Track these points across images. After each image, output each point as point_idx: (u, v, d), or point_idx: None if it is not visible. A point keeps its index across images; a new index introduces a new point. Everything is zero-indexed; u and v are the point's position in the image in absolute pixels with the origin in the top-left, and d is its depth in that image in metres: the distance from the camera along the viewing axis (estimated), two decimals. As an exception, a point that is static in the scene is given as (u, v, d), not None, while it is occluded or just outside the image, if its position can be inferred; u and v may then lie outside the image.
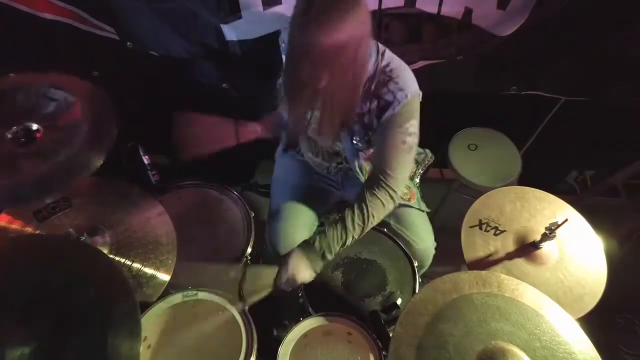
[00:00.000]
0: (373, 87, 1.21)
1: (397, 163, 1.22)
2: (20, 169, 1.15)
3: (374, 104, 1.22)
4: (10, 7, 1.54)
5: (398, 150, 1.21)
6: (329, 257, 1.22)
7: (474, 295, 1.00)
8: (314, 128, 1.33)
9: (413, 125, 1.21)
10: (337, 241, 1.22)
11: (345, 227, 1.22)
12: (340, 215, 1.25)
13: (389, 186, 1.23)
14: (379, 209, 1.23)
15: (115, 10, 1.55)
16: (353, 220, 1.22)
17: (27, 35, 1.65)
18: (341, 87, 1.11)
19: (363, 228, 1.24)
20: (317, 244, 1.22)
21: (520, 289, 1.03)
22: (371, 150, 1.39)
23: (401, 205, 1.52)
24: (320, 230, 1.26)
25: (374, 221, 1.24)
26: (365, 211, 1.22)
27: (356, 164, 1.46)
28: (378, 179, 1.23)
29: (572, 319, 1.00)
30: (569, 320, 0.99)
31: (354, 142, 1.35)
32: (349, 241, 1.23)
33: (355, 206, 1.23)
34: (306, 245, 1.24)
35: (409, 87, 1.19)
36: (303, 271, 1.21)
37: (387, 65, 1.22)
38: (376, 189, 1.23)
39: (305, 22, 0.99)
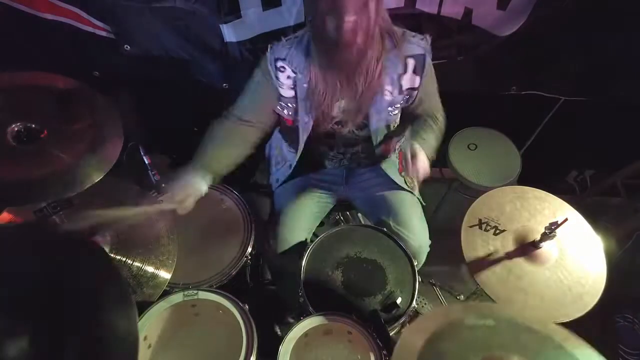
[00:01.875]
0: (397, 43, 1.25)
1: (439, 104, 1.44)
2: (20, 167, 1.15)
3: (411, 63, 1.28)
4: (10, 7, 1.55)
5: (437, 93, 1.41)
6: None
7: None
8: (340, 119, 1.38)
9: None
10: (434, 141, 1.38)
11: (433, 130, 1.39)
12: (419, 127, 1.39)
13: (440, 121, 1.44)
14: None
15: (116, 11, 1.55)
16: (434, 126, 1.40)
17: (28, 35, 1.65)
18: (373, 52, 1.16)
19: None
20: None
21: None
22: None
23: (400, 189, 1.57)
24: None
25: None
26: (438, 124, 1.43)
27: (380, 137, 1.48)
28: (434, 119, 1.41)
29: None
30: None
31: (390, 114, 1.38)
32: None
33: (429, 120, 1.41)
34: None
35: (416, 33, 1.29)
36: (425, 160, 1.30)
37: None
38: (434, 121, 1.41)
39: None
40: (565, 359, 0.91)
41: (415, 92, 1.34)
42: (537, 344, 0.93)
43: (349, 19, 1.04)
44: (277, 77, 1.31)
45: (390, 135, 1.48)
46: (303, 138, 1.43)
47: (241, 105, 1.38)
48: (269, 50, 1.31)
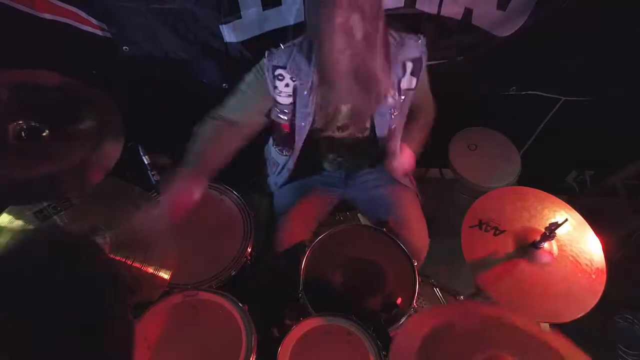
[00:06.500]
0: (392, 50, 1.24)
1: (430, 97, 1.50)
2: (23, 166, 1.15)
3: (409, 67, 1.29)
4: (10, 7, 1.54)
5: (429, 87, 1.46)
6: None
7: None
8: (342, 124, 1.39)
9: None
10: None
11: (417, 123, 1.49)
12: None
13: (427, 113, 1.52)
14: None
15: (115, 11, 1.55)
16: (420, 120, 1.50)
17: (27, 35, 1.65)
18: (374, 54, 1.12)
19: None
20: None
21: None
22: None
23: (398, 184, 1.57)
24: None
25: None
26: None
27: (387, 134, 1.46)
28: (421, 112, 1.50)
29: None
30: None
31: (392, 116, 1.37)
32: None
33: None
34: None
35: (411, 34, 1.29)
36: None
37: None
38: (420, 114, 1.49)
39: None
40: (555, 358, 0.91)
41: (411, 92, 1.35)
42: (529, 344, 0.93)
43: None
44: (275, 87, 1.29)
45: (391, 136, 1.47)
46: (300, 142, 1.42)
47: (228, 106, 1.37)
48: (266, 57, 1.28)
